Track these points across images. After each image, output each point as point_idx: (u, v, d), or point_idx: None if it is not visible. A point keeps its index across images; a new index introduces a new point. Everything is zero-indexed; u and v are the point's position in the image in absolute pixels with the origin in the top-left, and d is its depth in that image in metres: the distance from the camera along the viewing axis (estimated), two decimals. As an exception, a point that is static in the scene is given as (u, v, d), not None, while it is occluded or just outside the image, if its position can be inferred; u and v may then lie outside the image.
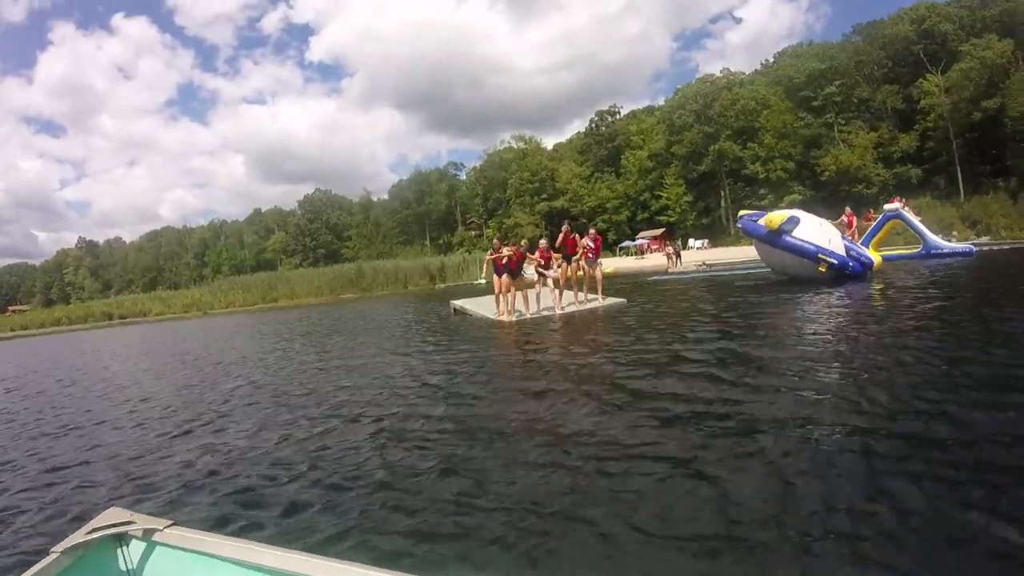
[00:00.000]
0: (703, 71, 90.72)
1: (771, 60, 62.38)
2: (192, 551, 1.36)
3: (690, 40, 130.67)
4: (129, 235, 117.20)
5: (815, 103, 52.26)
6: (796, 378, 4.75)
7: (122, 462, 4.49)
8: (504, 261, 11.19)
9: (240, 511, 3.15)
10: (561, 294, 11.96)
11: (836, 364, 5.16)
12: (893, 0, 55.69)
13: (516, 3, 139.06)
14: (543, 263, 11.76)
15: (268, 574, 1.25)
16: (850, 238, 15.45)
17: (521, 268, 11.64)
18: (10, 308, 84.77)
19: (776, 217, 13.58)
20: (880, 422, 3.49)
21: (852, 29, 56.99)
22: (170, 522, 1.50)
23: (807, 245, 13.18)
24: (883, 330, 6.69)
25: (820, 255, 13.00)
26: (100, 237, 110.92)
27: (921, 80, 47.34)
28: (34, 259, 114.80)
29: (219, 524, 2.91)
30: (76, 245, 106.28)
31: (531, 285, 12.10)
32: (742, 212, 16.55)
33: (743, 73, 60.84)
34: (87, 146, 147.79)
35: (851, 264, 13.35)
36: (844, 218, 17.46)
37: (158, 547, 1.41)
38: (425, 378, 6.58)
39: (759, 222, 14.08)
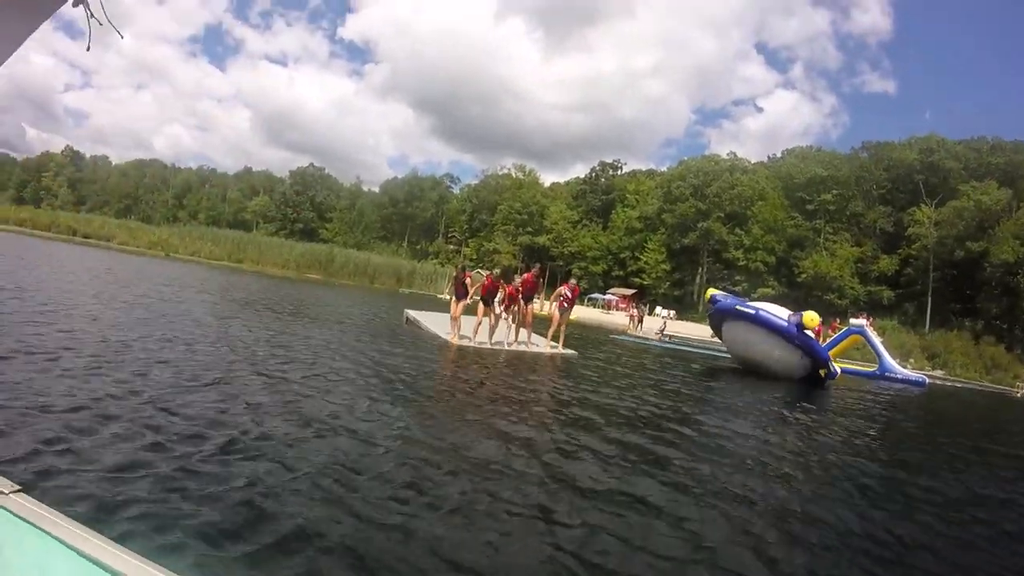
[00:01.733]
0: (712, 149, 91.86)
1: (778, 155, 63.35)
2: (30, 523, 1.24)
3: (708, 116, 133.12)
4: (117, 157, 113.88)
5: (809, 206, 52.91)
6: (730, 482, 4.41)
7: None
8: (464, 285, 11.32)
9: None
10: (517, 332, 11.84)
11: (779, 471, 5.00)
12: (907, 126, 57.17)
13: (551, 33, 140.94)
14: (508, 301, 11.51)
15: (103, 570, 1.13)
16: None
17: (494, 297, 11.38)
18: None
19: (817, 318, 13.20)
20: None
21: (861, 145, 58.42)
22: (17, 488, 1.38)
23: (822, 350, 13.21)
24: (834, 440, 6.92)
25: (828, 361, 13.21)
26: (88, 151, 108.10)
27: (915, 208, 47.97)
28: (17, 153, 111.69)
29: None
30: (62, 152, 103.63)
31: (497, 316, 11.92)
32: (713, 291, 15.97)
33: (748, 161, 61.65)
34: (100, 59, 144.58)
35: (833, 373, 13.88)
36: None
37: None
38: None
39: (786, 317, 13.50)
